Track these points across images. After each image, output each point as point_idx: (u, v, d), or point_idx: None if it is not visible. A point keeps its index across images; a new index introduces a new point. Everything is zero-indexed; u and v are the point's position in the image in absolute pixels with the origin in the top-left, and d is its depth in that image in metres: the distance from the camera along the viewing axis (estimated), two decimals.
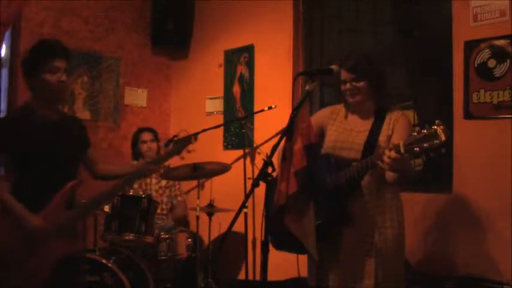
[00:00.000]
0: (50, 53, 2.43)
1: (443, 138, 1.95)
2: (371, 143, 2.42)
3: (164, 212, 4.30)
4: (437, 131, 1.96)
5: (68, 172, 2.53)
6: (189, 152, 2.72)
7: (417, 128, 2.10)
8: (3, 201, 2.38)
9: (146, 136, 4.36)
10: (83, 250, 2.70)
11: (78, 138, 2.66)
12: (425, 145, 1.98)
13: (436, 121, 1.99)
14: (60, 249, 2.41)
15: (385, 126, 2.46)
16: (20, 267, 2.35)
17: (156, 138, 4.39)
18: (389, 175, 2.36)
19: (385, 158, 2.11)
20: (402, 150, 2.05)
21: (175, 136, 4.18)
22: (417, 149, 2.00)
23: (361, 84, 2.45)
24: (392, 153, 2.08)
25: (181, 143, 2.72)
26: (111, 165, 2.93)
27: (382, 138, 2.43)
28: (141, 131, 4.42)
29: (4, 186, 2.44)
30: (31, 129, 2.44)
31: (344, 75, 2.46)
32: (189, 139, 2.74)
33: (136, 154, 4.39)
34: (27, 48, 2.52)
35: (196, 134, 2.84)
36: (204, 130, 4.06)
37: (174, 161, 2.91)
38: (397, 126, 2.44)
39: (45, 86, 2.42)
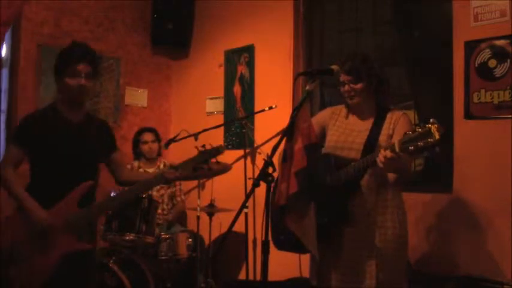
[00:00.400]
0: (73, 57, 2.49)
1: (437, 136, 1.95)
2: (371, 143, 2.42)
3: (165, 212, 4.30)
4: (431, 130, 1.96)
5: (86, 173, 2.56)
6: (218, 163, 2.67)
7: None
8: (15, 194, 2.44)
9: (147, 137, 4.37)
10: (91, 250, 2.63)
11: (101, 141, 2.68)
12: (419, 144, 1.99)
13: (431, 119, 1.99)
14: (66, 246, 2.42)
15: (385, 126, 2.46)
16: (25, 261, 2.39)
17: (157, 139, 4.40)
18: (390, 175, 2.36)
19: (381, 158, 2.11)
20: (397, 149, 2.06)
21: (175, 136, 4.21)
22: (412, 147, 2.01)
23: (358, 86, 2.46)
24: (388, 153, 2.08)
25: (209, 154, 2.62)
26: (136, 171, 2.93)
27: (382, 138, 2.43)
28: (142, 131, 4.43)
29: (18, 180, 2.49)
30: (52, 128, 2.52)
31: (342, 77, 2.47)
32: (218, 150, 2.64)
33: (138, 154, 4.40)
34: (59, 51, 2.59)
35: (222, 146, 2.70)
36: (205, 130, 4.07)
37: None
38: (398, 126, 2.44)
39: (65, 88, 2.51)
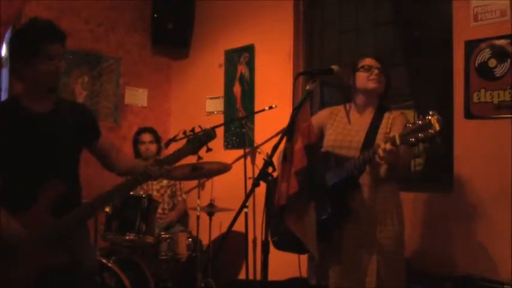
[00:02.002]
0: (46, 37, 2.12)
1: (437, 127, 1.96)
2: (369, 141, 2.44)
3: (166, 212, 4.30)
4: (432, 121, 1.98)
5: (62, 170, 2.22)
6: (209, 150, 2.23)
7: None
8: None
9: (145, 137, 4.36)
10: (77, 262, 2.21)
11: (77, 129, 2.28)
12: (420, 135, 2.00)
13: (430, 112, 2.00)
14: (41, 261, 2.09)
15: (383, 125, 2.48)
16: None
17: (156, 140, 4.38)
18: (382, 170, 2.37)
19: (380, 151, 2.12)
20: (398, 142, 2.06)
21: (175, 136, 4.20)
22: (413, 139, 2.02)
23: (383, 76, 2.53)
24: (388, 145, 2.09)
25: (199, 141, 2.22)
26: (129, 158, 2.50)
27: (380, 136, 2.44)
28: (141, 131, 4.43)
29: None
30: (15, 123, 2.17)
31: (371, 62, 2.52)
32: (209, 134, 2.24)
33: (137, 154, 4.40)
34: (17, 30, 2.20)
35: (213, 127, 2.29)
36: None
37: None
38: (394, 125, 2.46)
39: (39, 74, 2.14)
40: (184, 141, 4.10)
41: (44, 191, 2.13)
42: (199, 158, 2.28)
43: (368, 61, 2.53)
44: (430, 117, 1.98)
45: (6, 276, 2.07)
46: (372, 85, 2.51)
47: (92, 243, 2.47)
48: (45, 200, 2.13)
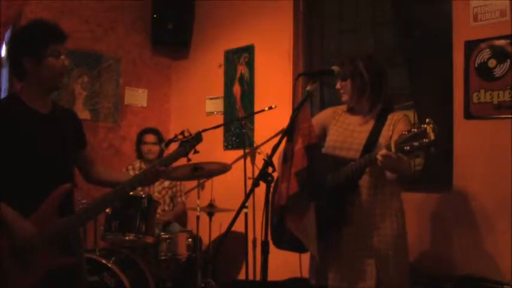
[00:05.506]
0: (54, 36, 2.18)
1: (432, 137, 1.97)
2: (371, 144, 2.43)
3: (166, 212, 4.30)
4: (427, 130, 1.98)
5: (63, 173, 2.23)
6: (196, 152, 2.44)
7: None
8: None
9: (149, 138, 4.36)
10: (79, 263, 2.28)
11: (72, 134, 2.33)
12: (415, 144, 2.01)
13: (426, 120, 2.01)
14: (48, 262, 2.08)
15: (385, 127, 2.46)
16: (6, 282, 2.04)
17: (158, 141, 4.36)
18: (389, 174, 2.37)
19: (378, 157, 2.14)
20: (393, 149, 2.08)
21: (175, 136, 4.19)
22: (407, 147, 2.03)
23: (345, 83, 2.51)
24: (384, 152, 2.10)
25: (190, 143, 2.43)
26: (109, 169, 2.57)
27: (382, 139, 2.43)
28: (144, 132, 4.41)
29: None
30: (18, 121, 2.14)
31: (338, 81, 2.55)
32: (198, 137, 2.46)
33: (140, 154, 4.40)
34: (24, 28, 2.26)
35: (201, 131, 2.53)
36: (204, 130, 4.05)
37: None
38: (397, 128, 2.44)
39: (48, 69, 2.15)
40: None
41: (53, 190, 2.12)
42: (189, 159, 2.47)
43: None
44: (425, 126, 1.99)
45: (15, 277, 2.05)
46: (341, 98, 2.58)
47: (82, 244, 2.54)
48: (52, 200, 2.11)
